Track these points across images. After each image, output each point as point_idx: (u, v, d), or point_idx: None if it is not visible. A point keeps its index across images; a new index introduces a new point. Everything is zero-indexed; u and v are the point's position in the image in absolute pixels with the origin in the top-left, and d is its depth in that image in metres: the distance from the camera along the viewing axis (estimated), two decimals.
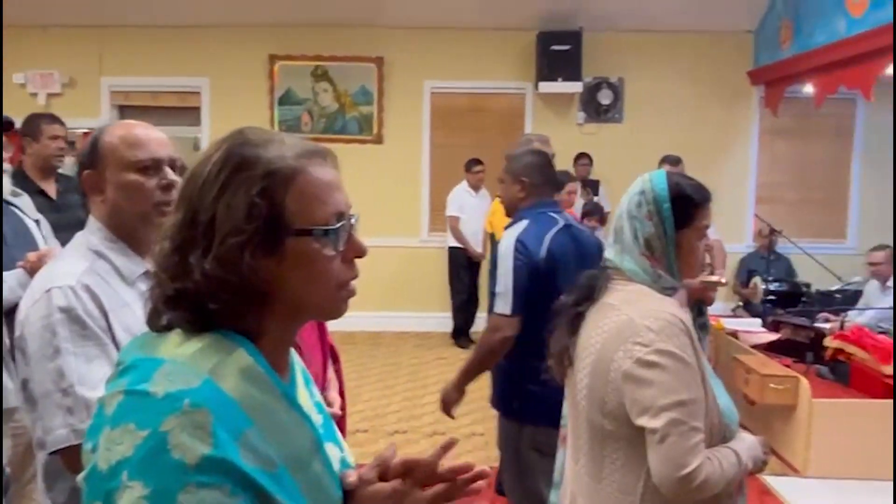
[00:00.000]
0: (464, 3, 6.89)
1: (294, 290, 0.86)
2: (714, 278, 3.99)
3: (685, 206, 1.54)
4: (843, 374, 4.62)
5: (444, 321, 6.91)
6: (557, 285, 2.30)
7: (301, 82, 7.24)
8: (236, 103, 7.13)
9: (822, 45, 5.64)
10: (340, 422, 2.01)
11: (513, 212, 2.58)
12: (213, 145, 0.87)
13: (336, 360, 2.15)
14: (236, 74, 7.19)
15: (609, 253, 1.61)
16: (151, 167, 1.44)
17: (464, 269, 6.76)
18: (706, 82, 7.20)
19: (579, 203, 6.10)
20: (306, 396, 0.96)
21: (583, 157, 6.99)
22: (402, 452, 0.93)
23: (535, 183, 2.53)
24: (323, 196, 0.87)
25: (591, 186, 6.94)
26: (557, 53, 6.84)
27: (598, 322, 1.53)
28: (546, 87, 6.94)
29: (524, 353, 2.36)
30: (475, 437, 4.47)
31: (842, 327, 4.76)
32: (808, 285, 6.07)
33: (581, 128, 7.33)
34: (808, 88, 6.21)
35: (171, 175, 1.45)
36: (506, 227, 2.53)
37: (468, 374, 2.53)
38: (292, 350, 0.96)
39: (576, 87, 6.98)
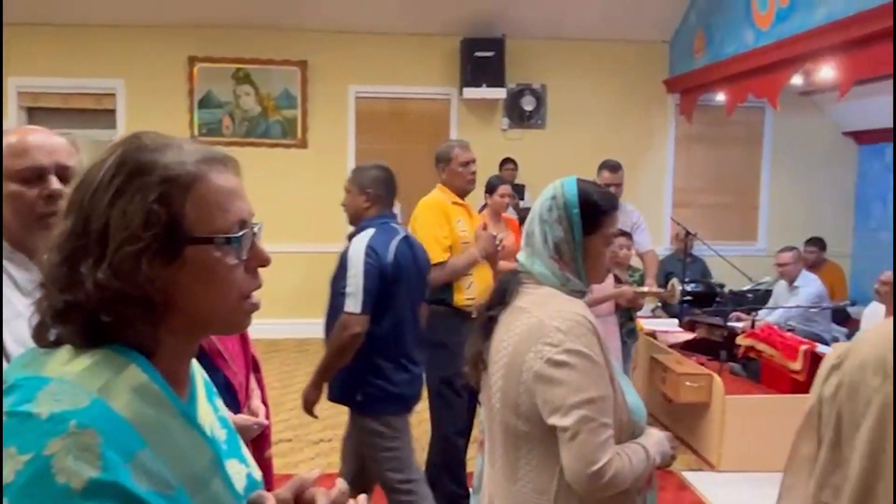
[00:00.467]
0: (388, 9, 6.89)
1: (194, 300, 0.83)
2: (645, 289, 4.14)
3: (593, 212, 1.59)
4: (754, 371, 4.83)
5: None
6: (399, 288, 2.67)
7: (222, 85, 7.08)
8: (154, 106, 6.92)
9: (732, 56, 5.89)
10: (265, 431, 1.98)
11: (357, 220, 2.79)
12: (107, 150, 0.84)
13: (257, 370, 2.12)
14: (154, 76, 6.98)
15: (521, 256, 1.64)
16: (33, 177, 1.37)
17: None
18: (625, 90, 7.41)
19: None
20: (209, 411, 0.92)
21: (508, 162, 7.10)
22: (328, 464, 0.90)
23: (378, 195, 2.75)
24: (224, 203, 0.85)
25: (517, 191, 7.04)
26: (481, 60, 6.91)
27: (510, 325, 1.56)
28: (470, 92, 7.01)
29: (368, 350, 2.62)
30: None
31: (752, 326, 4.98)
32: (722, 286, 6.31)
33: (506, 133, 7.43)
34: (720, 97, 6.48)
35: (54, 184, 1.37)
36: (351, 235, 2.74)
37: (324, 372, 2.74)
38: (194, 363, 0.93)
39: (499, 94, 7.06)
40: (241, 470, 0.91)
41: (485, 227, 3.44)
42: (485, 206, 4.39)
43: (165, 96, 7.00)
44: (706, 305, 5.88)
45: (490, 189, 4.23)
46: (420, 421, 4.24)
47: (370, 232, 2.68)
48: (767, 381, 4.66)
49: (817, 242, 6.54)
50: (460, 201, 3.47)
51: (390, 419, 2.70)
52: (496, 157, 7.16)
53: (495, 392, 1.58)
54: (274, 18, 6.89)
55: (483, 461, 1.75)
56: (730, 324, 5.20)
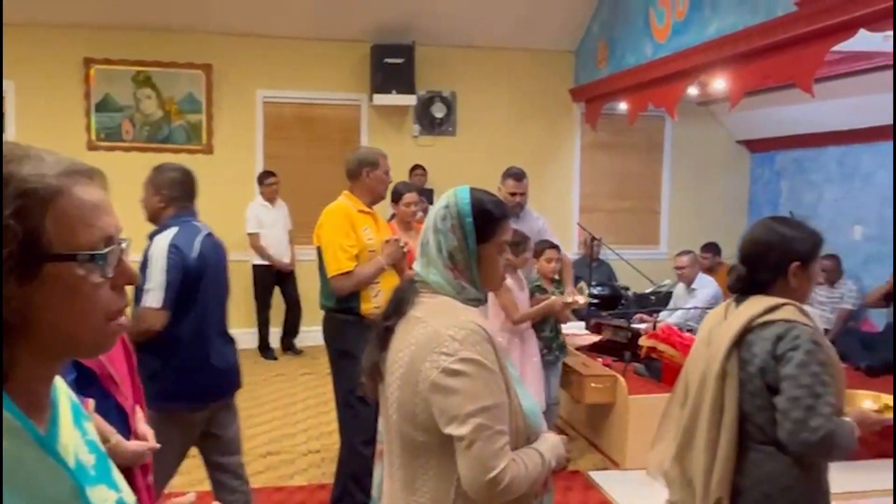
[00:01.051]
0: (297, 13, 6.79)
1: (54, 321, 0.79)
2: (570, 299, 4.20)
3: (486, 221, 1.60)
4: (656, 371, 5.00)
5: (250, 336, 6.70)
6: (203, 285, 2.71)
7: (121, 88, 6.81)
8: (47, 108, 6.59)
9: (633, 67, 6.11)
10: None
11: (156, 220, 2.82)
12: None
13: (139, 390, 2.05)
14: (46, 78, 6.64)
15: (417, 266, 1.63)
16: None
17: (269, 286, 6.73)
18: (533, 98, 7.56)
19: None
20: (74, 436, 0.87)
21: (417, 168, 7.13)
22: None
23: (173, 196, 2.80)
24: (89, 218, 0.81)
25: (426, 196, 7.06)
26: (391, 66, 6.92)
27: (406, 335, 1.55)
28: (381, 99, 7.00)
29: (166, 346, 2.64)
30: (311, 455, 4.39)
31: (654, 327, 5.15)
32: (626, 288, 6.53)
33: (417, 140, 7.45)
34: (623, 106, 6.69)
35: None
36: (152, 234, 2.75)
37: None
38: (58, 384, 0.88)
39: (410, 100, 7.08)
40: (110, 496, 0.87)
41: (398, 240, 3.43)
42: (393, 215, 4.37)
43: (59, 99, 6.67)
44: (612, 308, 6.06)
45: (395, 197, 4.20)
46: (332, 431, 4.23)
47: (173, 230, 2.72)
48: (668, 380, 4.83)
49: (711, 247, 6.84)
50: (367, 209, 3.42)
51: (179, 415, 2.68)
52: (408, 164, 7.18)
53: (392, 403, 1.57)
54: (176, 20, 6.68)
55: (380, 471, 1.75)
56: (633, 325, 5.38)
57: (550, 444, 1.60)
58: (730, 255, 7.27)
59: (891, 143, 6.20)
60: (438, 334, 1.50)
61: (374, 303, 3.27)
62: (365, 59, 7.10)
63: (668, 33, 5.57)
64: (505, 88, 7.50)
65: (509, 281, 3.61)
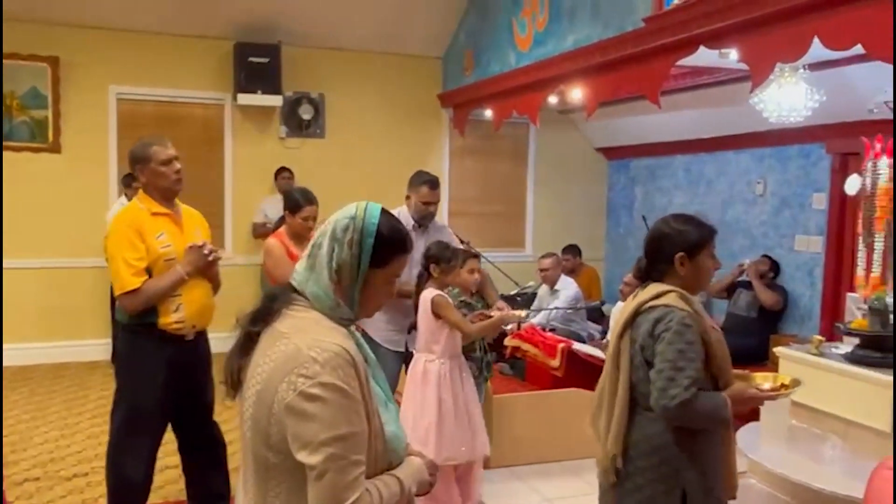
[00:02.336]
0: (154, 7, 6.48)
1: None
2: (523, 313, 4.11)
3: (387, 248, 1.52)
4: (521, 370, 5.16)
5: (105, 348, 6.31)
6: None
7: None
8: None
9: (497, 75, 6.28)
10: None
11: None
12: None
13: None
14: None
15: (299, 267, 1.54)
16: None
17: None
18: (402, 102, 7.60)
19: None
20: None
21: (284, 171, 6.98)
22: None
23: None
24: None
25: None
26: (256, 66, 6.73)
27: (268, 349, 1.47)
28: (245, 98, 6.80)
29: None
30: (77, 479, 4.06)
31: (519, 328, 5.31)
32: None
33: (284, 142, 7.30)
34: (488, 112, 6.86)
35: None
36: None
37: None
38: None
39: (276, 101, 6.92)
40: None
41: (202, 245, 3.09)
42: (281, 220, 4.12)
43: None
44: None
45: (292, 207, 3.80)
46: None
47: None
48: (532, 379, 5.01)
49: (572, 249, 7.14)
50: (163, 209, 3.08)
51: None
52: (275, 166, 7.03)
53: (247, 419, 1.49)
54: (18, 9, 6.18)
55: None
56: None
57: (413, 469, 1.55)
58: (589, 257, 7.64)
59: (729, 153, 6.73)
60: (299, 354, 1.41)
61: (174, 317, 3.01)
62: (228, 57, 6.88)
63: (530, 43, 5.77)
64: (374, 92, 7.49)
65: (440, 296, 3.44)
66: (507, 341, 5.08)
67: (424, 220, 4.01)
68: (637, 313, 2.24)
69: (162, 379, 3.02)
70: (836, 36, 3.19)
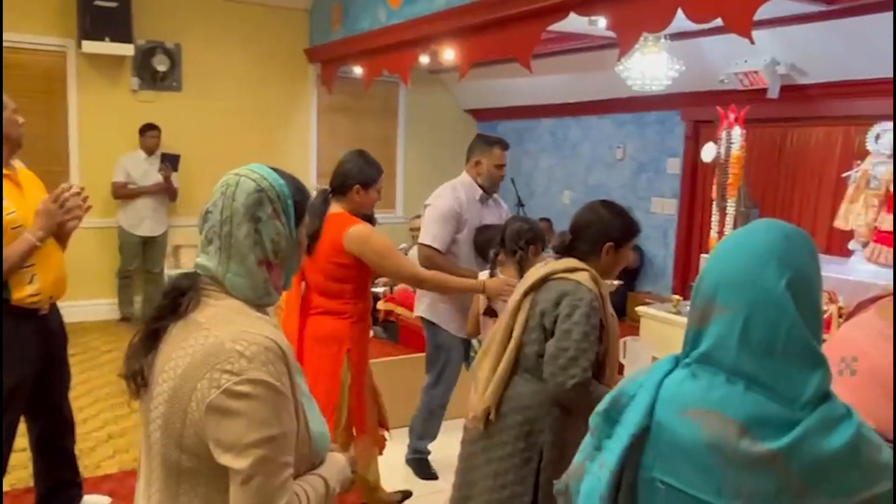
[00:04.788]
0: None
1: None
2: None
3: (303, 202, 1.45)
4: (394, 333, 5.16)
5: None
6: None
7: None
8: None
9: (367, 31, 6.11)
10: None
11: None
12: None
13: None
14: None
15: (207, 261, 1.38)
16: None
17: None
18: (267, 56, 7.26)
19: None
20: None
21: (151, 129, 6.48)
22: None
23: None
24: None
25: (171, 161, 6.50)
26: (103, 9, 6.16)
27: (182, 342, 1.32)
28: (91, 46, 6.22)
29: None
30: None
31: (392, 290, 5.29)
32: None
33: (136, 95, 6.78)
34: (358, 70, 6.69)
35: None
36: None
37: None
38: None
39: (127, 50, 6.38)
40: None
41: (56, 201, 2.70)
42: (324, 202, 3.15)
43: None
44: None
45: (367, 181, 3.07)
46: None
47: None
48: (405, 341, 5.02)
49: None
50: (6, 171, 2.74)
51: None
52: (127, 121, 6.53)
53: (156, 418, 1.33)
54: None
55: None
56: (372, 290, 5.46)
57: (338, 468, 1.48)
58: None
59: (592, 118, 6.97)
60: (222, 348, 1.27)
61: (28, 290, 2.71)
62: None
63: (401, 1, 5.64)
64: (236, 43, 7.10)
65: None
66: (381, 305, 5.05)
67: (495, 186, 3.74)
68: (546, 279, 2.29)
69: (22, 357, 2.73)
70: (699, 9, 3.32)
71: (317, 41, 7.21)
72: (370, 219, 3.10)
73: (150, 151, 6.45)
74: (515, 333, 2.30)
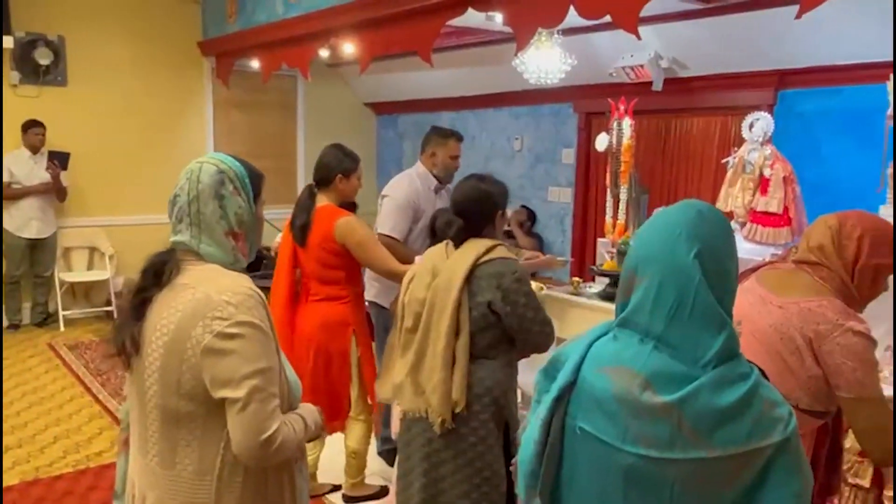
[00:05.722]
0: None
1: None
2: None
3: (257, 180, 1.65)
4: None
5: None
6: None
7: None
8: None
9: (264, 24, 6.03)
10: None
11: None
12: None
13: None
14: None
15: (180, 237, 1.57)
16: None
17: None
18: (158, 49, 7.03)
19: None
20: None
21: (35, 126, 6.16)
22: None
23: None
24: None
25: (59, 160, 6.19)
26: None
27: (171, 302, 1.50)
28: None
29: None
30: None
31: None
32: (267, 248, 6.53)
33: (17, 90, 6.43)
34: (255, 63, 6.59)
35: None
36: None
37: None
38: None
39: (5, 43, 6.05)
40: None
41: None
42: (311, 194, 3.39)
43: None
44: (255, 269, 6.04)
45: (348, 169, 3.35)
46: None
47: None
48: None
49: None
50: None
51: None
52: (7, 117, 6.18)
53: (152, 373, 1.51)
54: None
55: (124, 460, 1.68)
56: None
57: (309, 410, 1.66)
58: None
59: (490, 110, 7.15)
60: (211, 299, 1.47)
61: None
62: None
63: None
64: (124, 36, 6.84)
65: None
66: None
67: (450, 177, 3.83)
68: (474, 267, 2.37)
69: None
70: (590, 6, 3.51)
71: (211, 34, 7.04)
72: (353, 205, 3.37)
73: (34, 149, 6.15)
74: (465, 328, 2.35)
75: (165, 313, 1.49)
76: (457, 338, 2.36)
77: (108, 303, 6.84)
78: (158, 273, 1.54)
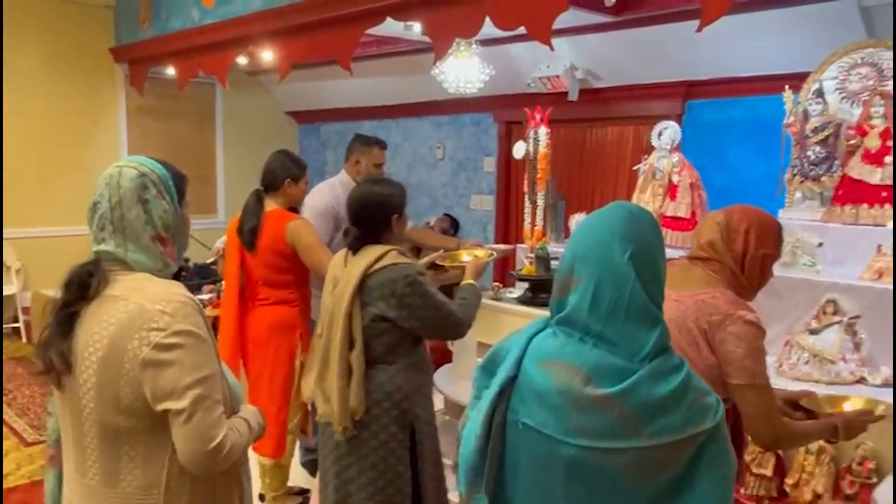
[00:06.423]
0: None
1: None
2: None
3: (181, 182, 1.60)
4: None
5: None
6: None
7: None
8: None
9: (179, 31, 5.91)
10: None
11: None
12: None
13: None
14: None
15: (105, 246, 1.51)
16: None
17: None
18: (68, 55, 6.79)
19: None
20: None
21: None
22: None
23: None
24: None
25: None
26: None
27: (102, 316, 1.44)
28: None
29: None
30: None
31: (219, 296, 5.17)
32: (187, 260, 6.38)
33: None
34: (171, 70, 6.44)
35: None
36: None
37: None
38: None
39: None
40: None
41: None
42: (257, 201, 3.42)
43: None
44: (176, 279, 5.87)
45: (297, 174, 3.42)
46: None
47: None
48: None
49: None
50: None
51: None
52: None
53: (88, 391, 1.44)
54: None
55: (53, 478, 1.61)
56: (199, 297, 5.31)
57: (252, 414, 1.64)
58: None
59: (412, 119, 7.20)
60: (144, 310, 1.42)
61: None
62: None
63: (216, 0, 5.52)
64: (34, 41, 6.57)
65: None
66: (207, 311, 4.92)
67: None
68: (365, 277, 2.37)
69: None
70: (505, 17, 3.60)
71: (124, 40, 6.84)
72: (296, 212, 3.41)
73: None
74: (358, 337, 2.37)
75: (97, 328, 1.43)
76: (351, 348, 2.37)
77: (16, 319, 6.53)
78: (84, 285, 1.47)
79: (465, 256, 3.06)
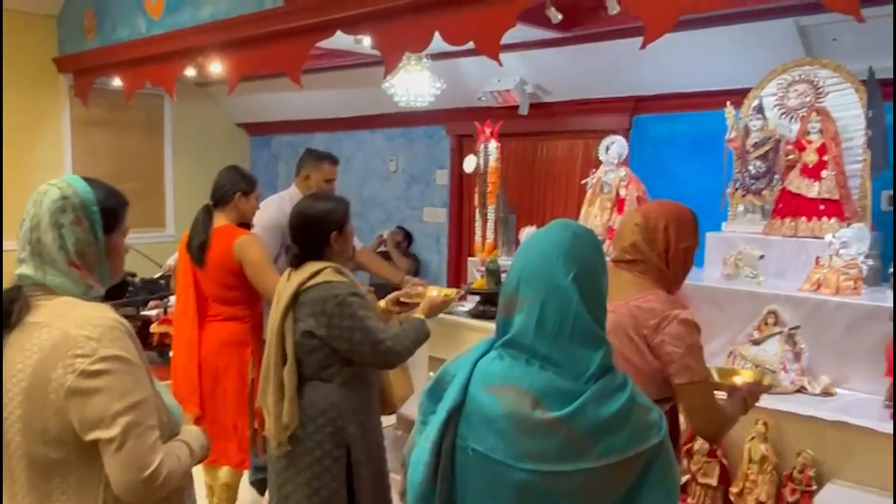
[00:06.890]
0: None
1: None
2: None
3: (113, 209, 1.53)
4: (169, 358, 4.94)
5: None
6: None
7: None
8: None
9: (126, 41, 5.80)
10: None
11: None
12: None
13: None
14: None
15: (25, 269, 1.46)
16: None
17: None
18: (10, 64, 6.57)
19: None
20: None
21: None
22: None
23: None
24: None
25: None
26: None
27: (24, 345, 1.39)
28: None
29: None
30: None
31: (166, 312, 5.08)
32: (133, 275, 6.24)
33: None
34: (117, 81, 6.31)
35: None
36: None
37: None
38: None
39: None
40: None
41: None
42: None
43: None
44: (118, 297, 5.74)
45: (248, 188, 3.44)
46: None
47: None
48: None
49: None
50: None
51: None
52: None
53: (13, 423, 1.40)
54: None
55: None
56: (143, 312, 5.20)
57: (194, 434, 1.59)
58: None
59: (365, 132, 7.18)
60: (69, 335, 1.37)
61: None
62: None
63: (163, 11, 5.44)
64: None
65: None
66: (154, 328, 4.83)
67: None
68: (297, 294, 2.38)
69: None
70: (454, 32, 3.62)
71: (68, 50, 6.68)
72: (248, 227, 3.38)
73: None
74: (289, 352, 2.38)
75: (19, 357, 1.38)
76: (284, 363, 2.39)
77: None
78: (6, 313, 1.42)
79: (433, 293, 2.93)
